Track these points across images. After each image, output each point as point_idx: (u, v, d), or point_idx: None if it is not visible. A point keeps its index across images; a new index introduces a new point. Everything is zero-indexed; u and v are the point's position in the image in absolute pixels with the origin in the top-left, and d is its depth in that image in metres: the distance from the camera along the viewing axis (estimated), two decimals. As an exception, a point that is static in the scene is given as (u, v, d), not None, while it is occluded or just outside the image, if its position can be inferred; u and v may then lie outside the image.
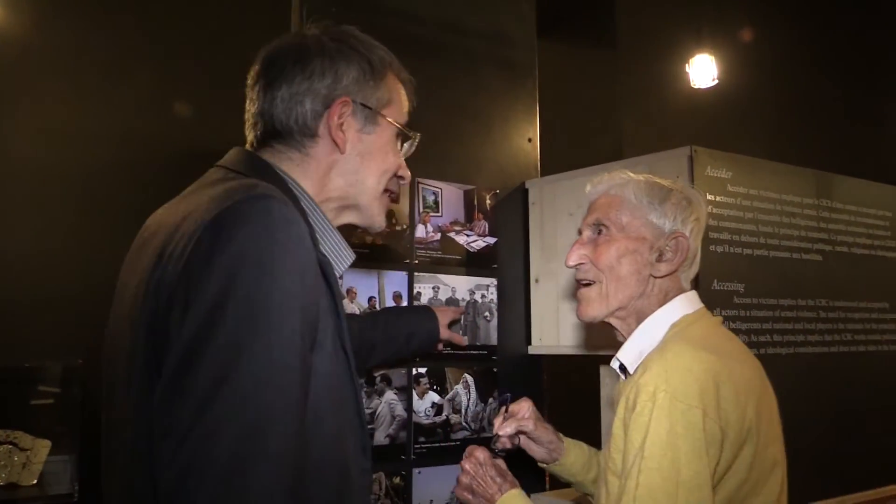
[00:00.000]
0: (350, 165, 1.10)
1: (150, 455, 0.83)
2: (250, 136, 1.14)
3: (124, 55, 2.82)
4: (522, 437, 1.58)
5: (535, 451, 1.58)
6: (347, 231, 1.98)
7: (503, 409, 1.58)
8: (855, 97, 5.70)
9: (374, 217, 1.15)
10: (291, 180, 1.07)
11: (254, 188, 0.93)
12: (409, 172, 1.20)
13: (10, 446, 2.55)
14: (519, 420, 1.55)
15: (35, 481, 2.56)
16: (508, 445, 1.55)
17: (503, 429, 1.54)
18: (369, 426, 2.04)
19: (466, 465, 1.46)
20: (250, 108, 1.12)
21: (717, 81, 4.32)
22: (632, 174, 1.38)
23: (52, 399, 2.67)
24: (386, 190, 1.17)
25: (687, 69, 4.37)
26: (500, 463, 1.48)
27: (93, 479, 2.52)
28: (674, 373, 1.12)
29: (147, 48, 2.86)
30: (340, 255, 1.10)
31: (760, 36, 5.00)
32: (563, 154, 2.87)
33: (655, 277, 1.31)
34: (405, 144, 1.19)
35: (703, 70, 4.32)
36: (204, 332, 0.81)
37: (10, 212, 2.62)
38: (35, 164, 2.67)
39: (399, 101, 1.16)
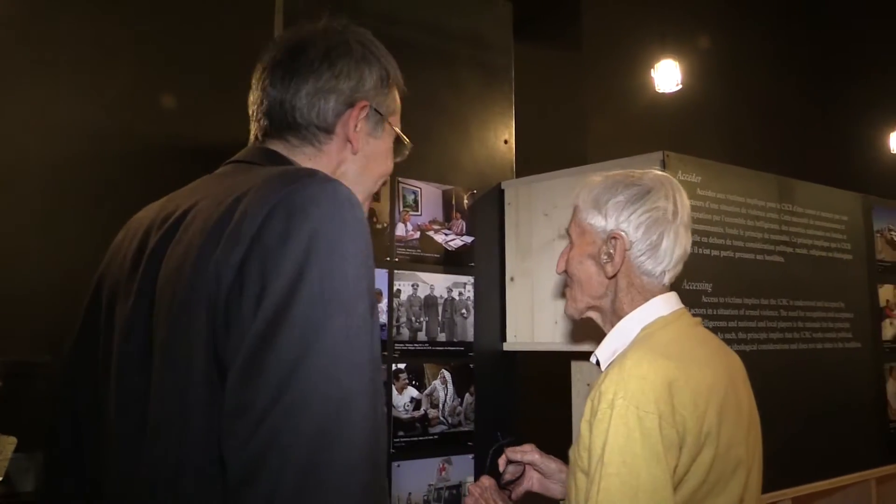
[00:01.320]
0: (356, 166, 1.14)
1: (206, 431, 0.84)
2: (262, 122, 1.13)
3: (101, 48, 2.80)
4: (537, 479, 1.60)
5: (552, 488, 1.60)
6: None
7: (503, 454, 1.61)
8: (813, 103, 5.91)
9: None
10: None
11: (316, 172, 0.95)
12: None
13: (-26, 443, 2.51)
14: (524, 452, 1.58)
15: (1, 478, 2.52)
16: (516, 476, 1.59)
17: (511, 456, 1.58)
18: (350, 421, 2.07)
19: (473, 488, 1.54)
20: (263, 94, 1.12)
21: (680, 86, 4.45)
22: (593, 177, 1.41)
23: (20, 395, 2.64)
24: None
25: (652, 74, 4.48)
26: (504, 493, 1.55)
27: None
28: (630, 380, 1.17)
29: (125, 42, 2.84)
30: None
31: (723, 42, 5.16)
32: (535, 156, 2.93)
33: (608, 278, 1.36)
34: (399, 152, 1.24)
35: (667, 75, 4.44)
36: (281, 312, 0.82)
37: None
38: (7, 160, 2.64)
39: (399, 111, 1.22)
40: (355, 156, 1.13)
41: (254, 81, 1.15)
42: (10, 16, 2.65)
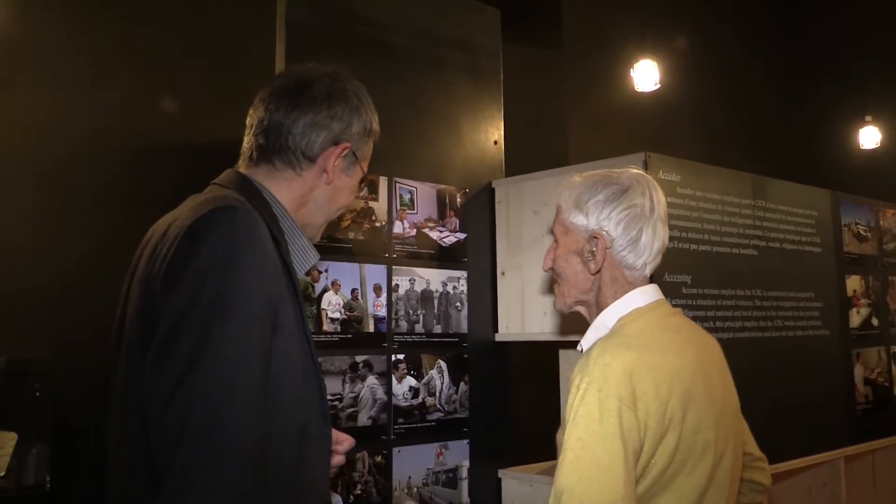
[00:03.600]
0: (326, 194, 1.33)
1: (141, 416, 1.05)
2: (259, 139, 1.29)
3: (105, 51, 2.86)
4: None
5: None
6: (332, 225, 2.14)
7: None
8: (787, 104, 6.10)
9: (316, 235, 1.38)
10: (265, 190, 1.28)
11: (223, 200, 1.15)
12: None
13: (-25, 439, 2.57)
14: None
15: (3, 473, 2.58)
16: None
17: None
18: (353, 409, 2.20)
19: None
20: (267, 114, 1.29)
21: (659, 86, 4.58)
22: (574, 178, 1.49)
23: (22, 392, 2.70)
24: None
25: (631, 73, 4.61)
26: None
27: (66, 471, 2.58)
28: (595, 367, 1.27)
29: (128, 44, 2.90)
30: (305, 256, 1.32)
31: (699, 43, 5.31)
32: (520, 156, 3.05)
33: (592, 274, 1.44)
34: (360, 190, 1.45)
35: (646, 74, 4.57)
36: (182, 318, 1.02)
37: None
38: (8, 157, 2.69)
39: (369, 158, 1.41)
40: (328, 186, 1.32)
41: (258, 101, 1.32)
42: (8, 16, 2.70)
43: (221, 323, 1.02)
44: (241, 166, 1.32)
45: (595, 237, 1.42)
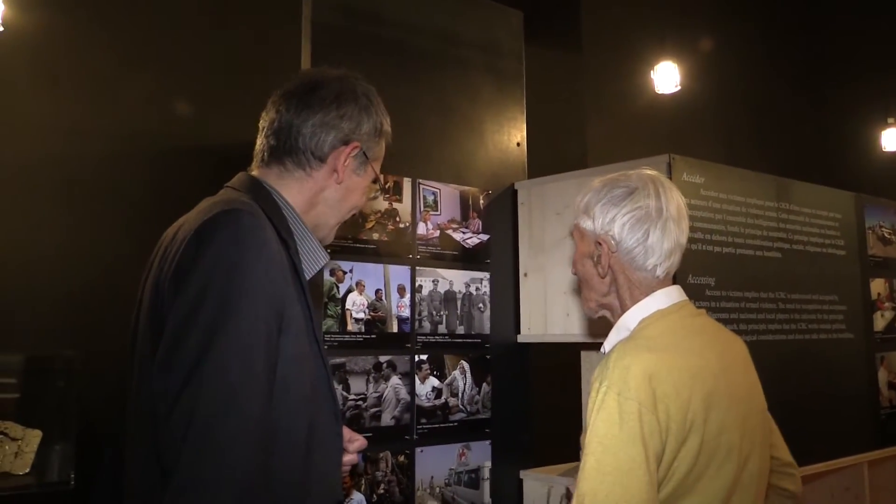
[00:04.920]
0: (337, 194, 1.34)
1: (152, 414, 1.07)
2: (270, 140, 1.32)
3: (130, 55, 2.90)
4: None
5: None
6: (356, 227, 2.16)
7: None
8: (808, 106, 6.05)
9: (328, 236, 1.40)
10: (276, 192, 1.30)
11: (230, 203, 1.18)
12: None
13: (1, 436, 2.61)
14: None
15: (28, 470, 2.62)
16: None
17: None
18: (377, 408, 2.22)
19: None
20: (277, 115, 1.32)
21: (679, 87, 4.57)
22: (596, 181, 1.48)
23: (47, 390, 2.73)
24: None
25: (651, 75, 4.60)
26: None
27: (90, 468, 2.61)
28: (614, 370, 1.26)
29: (153, 47, 2.94)
30: (315, 257, 1.34)
31: (720, 44, 5.29)
32: (541, 157, 3.05)
33: (602, 277, 1.45)
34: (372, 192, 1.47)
35: (666, 76, 4.55)
36: (189, 318, 1.05)
37: (11, 206, 2.67)
38: (34, 158, 2.72)
39: (381, 159, 1.42)
40: (338, 185, 1.34)
41: (270, 103, 1.35)
42: (32, 19, 2.74)
43: (226, 323, 1.04)
44: (254, 168, 1.34)
45: (599, 243, 1.42)
